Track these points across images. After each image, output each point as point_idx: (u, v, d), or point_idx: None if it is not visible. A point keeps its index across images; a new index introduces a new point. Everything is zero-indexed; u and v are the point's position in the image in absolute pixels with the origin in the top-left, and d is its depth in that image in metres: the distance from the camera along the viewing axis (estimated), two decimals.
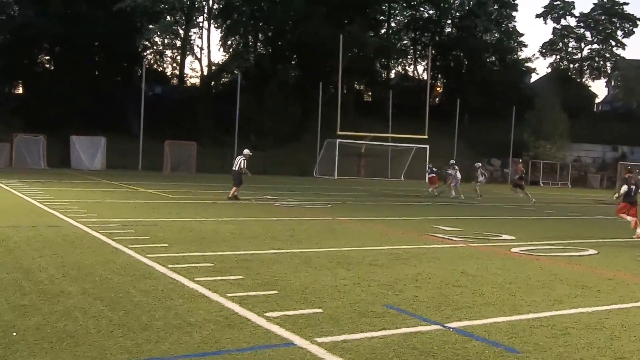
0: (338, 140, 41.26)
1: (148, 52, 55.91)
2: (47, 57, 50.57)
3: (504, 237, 12.60)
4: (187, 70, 62.25)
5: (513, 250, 10.65)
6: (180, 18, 55.88)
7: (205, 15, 57.31)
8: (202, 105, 48.30)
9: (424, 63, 69.89)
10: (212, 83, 55.01)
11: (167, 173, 37.84)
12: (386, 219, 15.56)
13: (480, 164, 29.41)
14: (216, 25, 57.60)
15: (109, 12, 42.71)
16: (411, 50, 69.35)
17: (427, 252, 10.03)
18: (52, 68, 49.30)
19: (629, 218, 13.79)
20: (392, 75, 69.32)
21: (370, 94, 68.53)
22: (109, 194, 19.83)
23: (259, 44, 54.43)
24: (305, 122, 48.67)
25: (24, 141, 36.96)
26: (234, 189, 19.09)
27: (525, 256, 10.05)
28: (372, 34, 55.77)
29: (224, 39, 56.96)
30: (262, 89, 47.08)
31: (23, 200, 16.29)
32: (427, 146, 43.52)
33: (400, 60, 68.78)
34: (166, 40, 58.41)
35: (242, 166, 19.28)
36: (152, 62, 57.23)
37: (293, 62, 51.86)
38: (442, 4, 65.10)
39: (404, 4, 64.96)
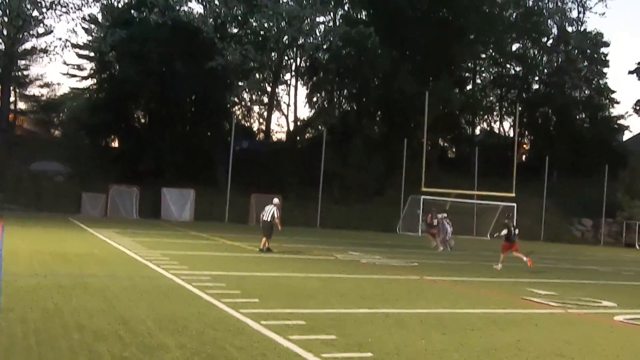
0: (422, 197, 40.83)
1: (236, 107, 57.77)
2: (142, 112, 53.07)
3: (605, 303, 11.93)
4: (273, 125, 63.94)
5: (616, 318, 10.06)
6: (268, 76, 57.63)
7: (292, 72, 58.96)
8: (287, 159, 49.13)
9: (510, 119, 68.86)
10: (298, 138, 56.05)
11: (252, 225, 38.38)
12: (477, 280, 15.10)
13: (445, 214, 28.36)
14: (302, 83, 59.08)
15: (202, 69, 44.53)
16: (497, 107, 68.51)
17: (524, 318, 9.61)
18: (146, 122, 51.60)
19: (515, 254, 18.14)
20: (477, 131, 68.51)
21: (454, 150, 67.85)
22: (199, 246, 20.26)
23: (343, 100, 55.20)
24: (389, 177, 48.56)
25: (119, 192, 38.56)
26: (264, 240, 18.52)
27: (630, 325, 9.46)
28: (457, 91, 55.57)
29: (309, 96, 58.21)
30: (347, 144, 47.50)
31: (118, 250, 16.86)
32: (515, 204, 42.33)
33: (486, 116, 68.02)
34: (254, 97, 60.30)
35: (275, 216, 18.49)
36: (239, 117, 59.03)
37: (378, 118, 52.23)
38: (529, 61, 64.31)
39: (490, 62, 64.58)
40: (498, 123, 70.00)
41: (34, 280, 10.22)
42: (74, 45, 57.29)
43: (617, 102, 67.66)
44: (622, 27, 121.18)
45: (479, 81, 66.23)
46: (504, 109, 68.61)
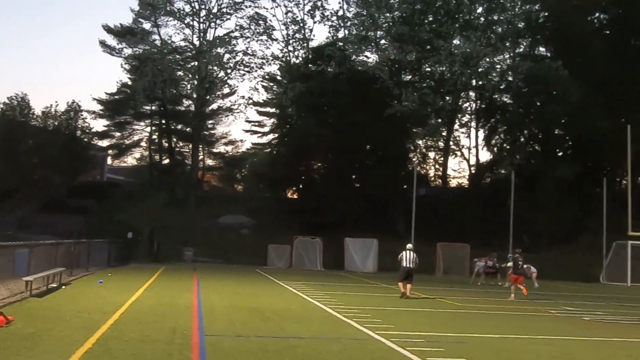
0: (630, 242, 36.45)
1: (412, 154, 56.56)
2: (319, 164, 53.54)
3: None
4: (453, 171, 61.81)
5: None
6: (444, 120, 55.96)
7: (470, 115, 56.86)
8: (470, 205, 46.77)
9: None
10: (481, 182, 53.47)
11: (439, 276, 36.45)
12: None
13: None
14: (481, 124, 56.67)
15: (378, 118, 44.03)
16: None
17: None
18: (325, 173, 51.86)
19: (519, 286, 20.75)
20: None
21: None
22: (393, 300, 18.87)
23: (529, 140, 51.85)
24: (582, 221, 44.35)
25: (303, 243, 38.52)
26: (409, 285, 19.05)
27: None
28: None
29: (487, 138, 55.61)
30: (535, 187, 44.19)
31: (313, 305, 15.98)
32: None
33: None
34: (429, 142, 58.80)
35: (417, 262, 19.46)
36: (415, 163, 57.74)
37: (569, 158, 48.16)
38: None
39: None
40: None
41: (238, 343, 9.45)
42: (255, 104, 59.93)
43: None
44: None
45: None
46: None
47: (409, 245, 19.90)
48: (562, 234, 43.79)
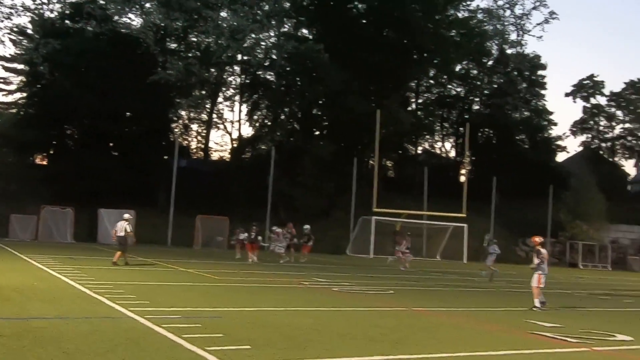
0: (374, 218, 39.68)
1: (174, 124, 55.43)
2: (76, 129, 49.99)
3: (620, 337, 10.80)
4: (215, 144, 61.81)
5: None
6: (208, 92, 55.59)
7: (235, 89, 57.12)
8: (231, 178, 47.20)
9: (451, 140, 69.17)
10: (243, 156, 54.18)
11: (197, 249, 36.29)
12: (469, 310, 13.78)
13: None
14: (244, 100, 57.32)
15: (141, 84, 42.24)
16: (438, 127, 68.50)
17: None
18: (81, 139, 48.59)
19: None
20: (419, 151, 68.31)
21: (398, 170, 67.25)
22: (150, 274, 18.25)
23: (290, 118, 53.70)
24: (337, 198, 47.29)
25: (52, 214, 35.68)
26: (119, 253, 20.03)
27: None
28: (403, 110, 55.12)
29: (250, 113, 56.54)
30: (295, 164, 45.99)
31: (61, 281, 14.76)
32: (466, 225, 41.75)
33: (427, 136, 67.87)
34: (192, 114, 58.06)
35: (128, 230, 20.36)
36: (178, 134, 56.69)
37: (326, 137, 50.88)
38: (470, 81, 64.69)
39: (433, 82, 64.62)
40: (440, 143, 70.03)
41: None
42: (1, 58, 53.87)
43: (555, 124, 68.90)
44: (559, 51, 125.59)
45: (420, 101, 66.18)
46: (445, 130, 68.71)
47: (126, 215, 21.07)
48: (318, 209, 46.17)
